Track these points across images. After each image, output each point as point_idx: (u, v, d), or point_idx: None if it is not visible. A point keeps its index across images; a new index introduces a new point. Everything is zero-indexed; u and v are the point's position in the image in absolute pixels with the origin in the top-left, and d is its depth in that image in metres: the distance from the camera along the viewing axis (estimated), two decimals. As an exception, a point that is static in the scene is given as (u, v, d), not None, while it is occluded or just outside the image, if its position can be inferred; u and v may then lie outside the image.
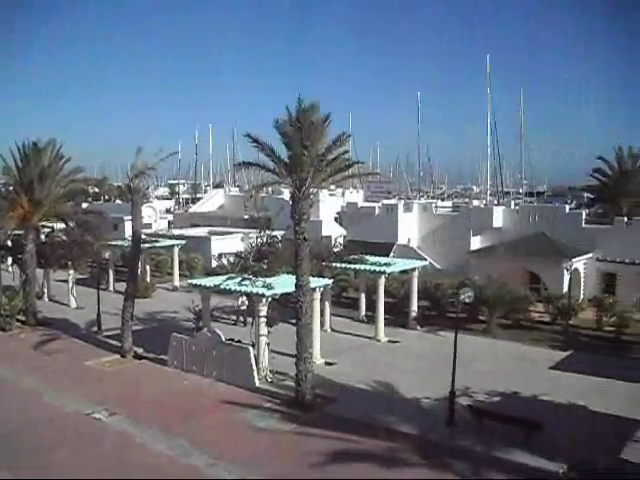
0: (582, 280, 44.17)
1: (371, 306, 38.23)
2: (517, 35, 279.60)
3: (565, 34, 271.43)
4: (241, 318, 38.77)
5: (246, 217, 56.14)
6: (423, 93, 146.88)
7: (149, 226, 68.68)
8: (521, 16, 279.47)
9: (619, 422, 23.91)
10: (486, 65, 77.91)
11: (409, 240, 53.21)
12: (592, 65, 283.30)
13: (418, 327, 38.49)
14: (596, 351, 33.96)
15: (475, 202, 78.37)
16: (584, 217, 48.51)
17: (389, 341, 35.75)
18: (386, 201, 66.09)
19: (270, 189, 58.07)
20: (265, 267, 33.00)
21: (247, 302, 37.27)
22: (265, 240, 35.52)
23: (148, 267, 52.07)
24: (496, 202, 73.75)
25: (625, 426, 23.54)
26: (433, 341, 35.29)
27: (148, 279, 51.04)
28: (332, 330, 37.43)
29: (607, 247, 44.36)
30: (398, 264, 39.33)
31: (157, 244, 52.11)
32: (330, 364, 31.06)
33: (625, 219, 46.39)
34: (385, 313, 36.91)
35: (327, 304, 37.43)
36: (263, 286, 29.11)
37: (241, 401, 26.23)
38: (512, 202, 61.16)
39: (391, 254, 48.76)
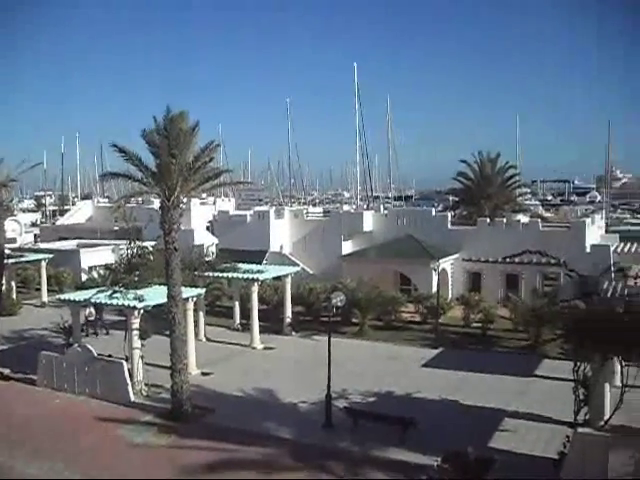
0: (450, 280, 45.80)
1: (246, 314, 38.09)
2: (385, 41, 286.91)
3: (432, 38, 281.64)
4: (90, 330, 37.77)
5: (116, 228, 54.70)
6: (295, 99, 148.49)
7: (14, 240, 65.70)
8: (389, 22, 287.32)
9: (487, 413, 25.07)
10: (354, 72, 79.49)
11: (282, 247, 53.42)
12: (456, 72, 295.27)
13: (293, 332, 38.68)
14: (465, 347, 35.32)
15: (345, 207, 79.72)
16: (450, 219, 50.21)
17: (265, 348, 35.75)
18: (258, 208, 66.13)
19: (140, 199, 56.76)
20: (136, 279, 32.28)
21: (95, 313, 37.47)
22: (135, 251, 34.71)
23: (14, 283, 49.76)
24: (366, 207, 75.16)
25: (492, 416, 24.71)
26: (308, 346, 35.57)
27: (14, 296, 48.77)
28: (207, 340, 37.04)
29: (472, 247, 46.14)
30: (271, 271, 39.42)
31: (22, 259, 49.87)
32: (206, 374, 30.72)
33: (487, 220, 48.47)
34: (260, 320, 36.87)
35: (201, 314, 37.03)
36: (134, 298, 28.41)
37: (116, 417, 25.48)
38: (381, 206, 62.59)
39: (264, 261, 48.78)
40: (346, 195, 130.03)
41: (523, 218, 52.98)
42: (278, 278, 39.71)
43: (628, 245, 47.72)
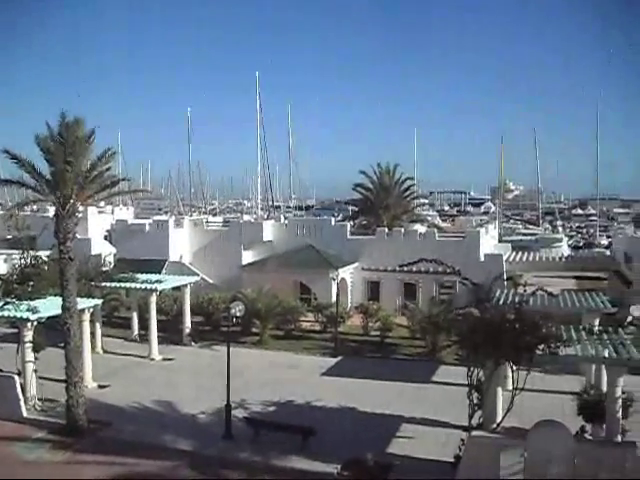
0: (349, 289, 46.30)
1: (144, 324, 37.43)
2: (289, 50, 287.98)
3: (330, 50, 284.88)
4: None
5: (8, 237, 52.75)
6: (198, 107, 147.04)
7: None
8: (294, 31, 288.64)
9: (385, 419, 25.50)
10: (256, 81, 79.56)
11: (181, 256, 52.73)
12: (358, 86, 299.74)
13: (192, 343, 38.27)
14: (364, 355, 35.82)
15: (246, 217, 79.50)
16: (349, 229, 50.80)
17: (163, 359, 35.20)
18: (157, 217, 65.08)
19: (34, 207, 54.94)
20: (30, 289, 31.24)
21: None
22: (29, 261, 33.59)
23: None
24: (266, 216, 75.21)
25: (391, 423, 25.14)
26: (208, 356, 35.24)
27: None
28: (104, 352, 36.13)
29: (371, 257, 46.82)
30: (169, 281, 38.91)
31: None
32: (103, 387, 29.99)
33: (386, 230, 49.31)
34: (159, 331, 36.35)
35: (98, 325, 36.09)
36: (28, 310, 27.47)
37: (8, 434, 24.45)
38: (282, 216, 62.76)
39: (163, 271, 48.06)
40: (247, 205, 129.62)
41: (420, 228, 54.27)
42: (177, 288, 39.28)
43: (519, 254, 49.76)
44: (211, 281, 48.81)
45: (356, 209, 69.75)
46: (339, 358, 34.94)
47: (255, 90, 79.83)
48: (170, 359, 35.24)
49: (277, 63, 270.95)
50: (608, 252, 59.24)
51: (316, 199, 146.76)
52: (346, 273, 45.87)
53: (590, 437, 21.64)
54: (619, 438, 20.21)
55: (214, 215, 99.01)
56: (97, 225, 59.28)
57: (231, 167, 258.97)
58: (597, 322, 26.87)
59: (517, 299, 21.45)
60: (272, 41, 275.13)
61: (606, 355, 19.77)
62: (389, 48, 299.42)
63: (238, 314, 26.62)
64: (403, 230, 49.01)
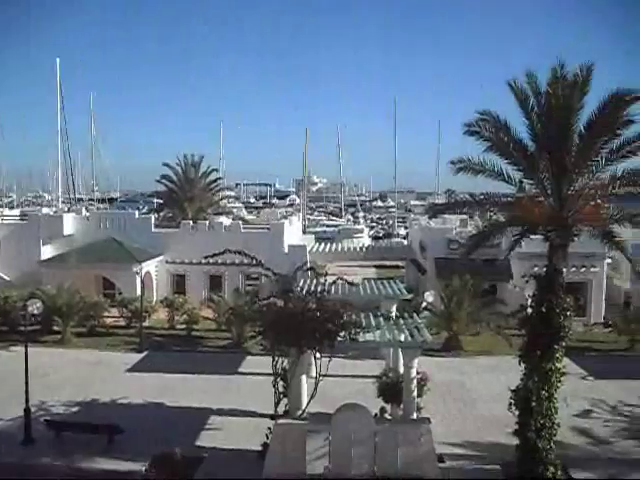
0: (155, 282, 45.57)
1: None
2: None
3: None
4: None
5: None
6: None
7: None
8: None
9: (193, 413, 25.47)
10: (56, 67, 75.63)
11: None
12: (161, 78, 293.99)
13: (-11, 345, 36.06)
14: (170, 349, 35.47)
15: (45, 209, 75.75)
16: (153, 222, 49.91)
17: (-46, 363, 32.88)
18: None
19: None
20: None
21: None
22: None
23: None
24: (67, 209, 72.07)
25: (199, 415, 25.18)
26: (6, 358, 33.28)
27: None
28: None
29: (176, 250, 46.31)
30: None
31: None
32: None
33: (191, 223, 49.02)
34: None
35: None
36: None
37: None
38: (84, 209, 60.45)
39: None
40: (47, 197, 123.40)
41: (226, 220, 54.38)
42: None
43: (322, 245, 51.27)
44: (7, 278, 46.20)
45: (161, 202, 68.81)
46: (145, 353, 34.36)
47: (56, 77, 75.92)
48: (-40, 363, 33.00)
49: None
50: (405, 242, 62.50)
51: (120, 191, 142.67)
52: (151, 267, 45.09)
53: (389, 417, 22.87)
54: (415, 415, 21.53)
55: (11, 208, 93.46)
56: None
57: (32, 157, 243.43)
58: (394, 308, 28.41)
59: (319, 289, 22.18)
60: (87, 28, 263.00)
61: (402, 339, 20.97)
62: (198, 37, 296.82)
63: (36, 312, 25.41)
64: (208, 223, 48.94)
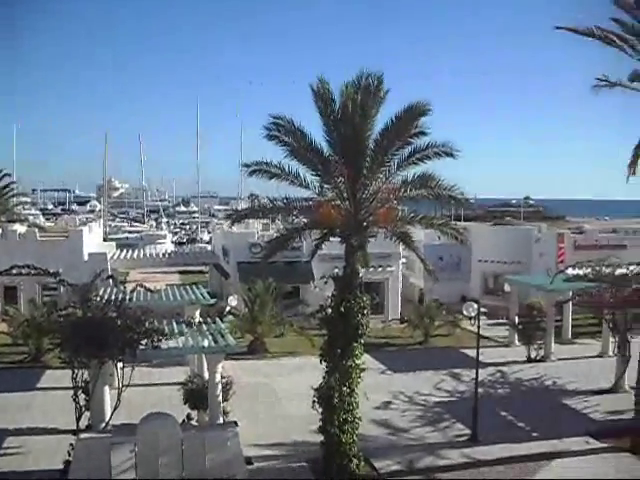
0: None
1: None
2: None
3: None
4: None
5: None
6: None
7: None
8: None
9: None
10: None
11: None
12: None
13: None
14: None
15: None
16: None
17: None
18: None
19: None
20: None
21: None
22: None
23: None
24: None
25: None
26: None
27: None
28: None
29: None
30: None
31: None
32: None
33: (-19, 231, 46.00)
34: None
35: None
36: None
37: None
38: None
39: None
40: None
41: (20, 228, 51.43)
42: None
43: (124, 252, 50.01)
44: None
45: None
46: None
47: None
48: None
49: None
50: (209, 247, 62.39)
51: None
52: (-64, 280, 41.79)
53: (196, 423, 22.74)
54: (221, 420, 21.56)
55: None
56: None
57: None
58: (198, 314, 28.26)
59: (120, 297, 21.62)
60: None
61: (205, 345, 20.90)
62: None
63: None
64: (1, 231, 46.12)
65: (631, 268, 29.68)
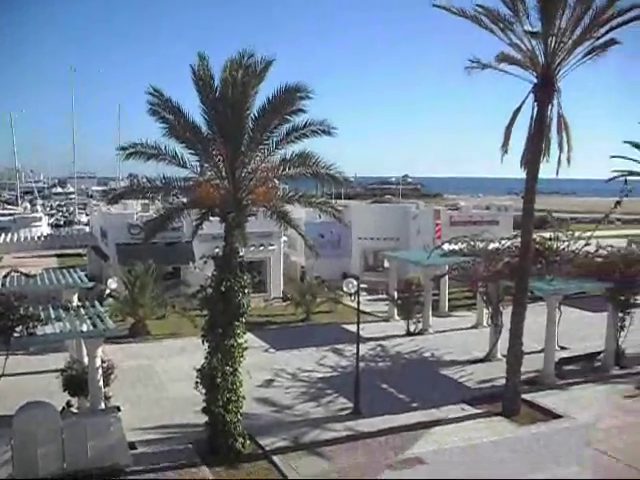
0: None
1: None
2: None
3: None
4: None
5: None
6: None
7: None
8: None
9: None
10: None
11: None
12: None
13: None
14: None
15: None
16: None
17: None
18: None
19: None
20: None
21: None
22: None
23: None
24: None
25: None
26: None
27: None
28: None
29: None
30: None
31: None
32: None
33: None
34: None
35: None
36: None
37: None
38: None
39: None
40: None
41: None
42: None
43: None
44: None
45: None
46: None
47: None
48: None
49: None
50: (87, 229, 60.69)
51: None
52: None
53: (77, 410, 22.19)
54: (103, 405, 21.14)
55: None
56: None
57: None
58: (76, 297, 27.48)
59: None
60: None
61: (84, 329, 20.40)
62: None
63: None
64: None
65: (503, 242, 31.07)
